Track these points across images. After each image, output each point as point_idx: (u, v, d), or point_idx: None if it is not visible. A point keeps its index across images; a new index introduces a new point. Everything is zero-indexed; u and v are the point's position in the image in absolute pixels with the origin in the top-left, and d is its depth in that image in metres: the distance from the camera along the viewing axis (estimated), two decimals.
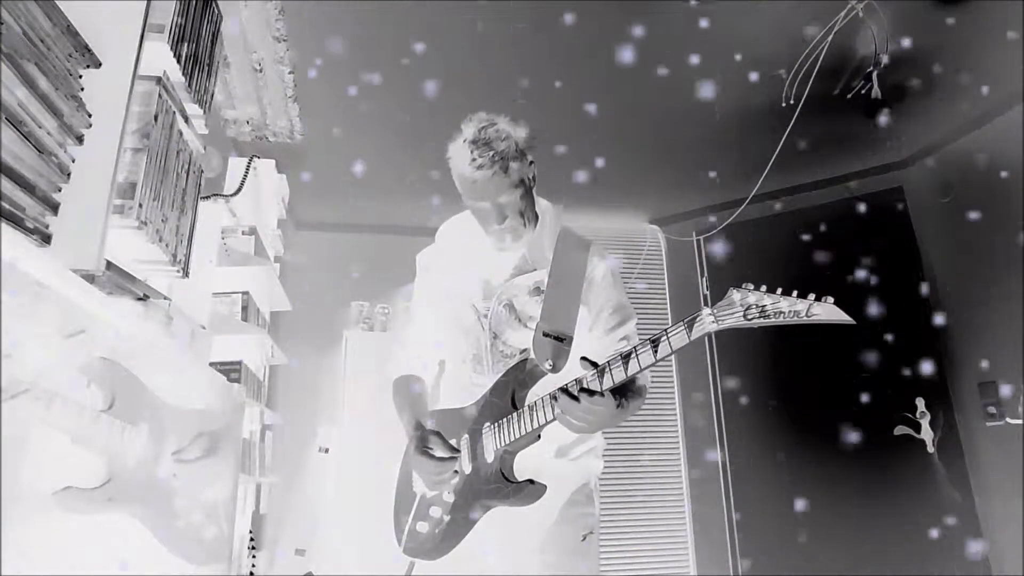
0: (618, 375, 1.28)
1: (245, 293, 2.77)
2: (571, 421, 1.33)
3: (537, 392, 1.45)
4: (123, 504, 1.24)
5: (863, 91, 2.65)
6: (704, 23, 2.43)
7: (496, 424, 1.49)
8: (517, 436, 1.43)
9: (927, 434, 3.12)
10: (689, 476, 3.89)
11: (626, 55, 2.61)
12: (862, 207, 3.49)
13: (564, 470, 1.57)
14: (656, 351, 1.23)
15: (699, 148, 3.37)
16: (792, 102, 2.72)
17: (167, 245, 1.46)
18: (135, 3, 1.31)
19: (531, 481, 1.43)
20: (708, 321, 1.16)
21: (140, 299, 1.39)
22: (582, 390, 1.29)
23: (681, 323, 1.20)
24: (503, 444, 1.46)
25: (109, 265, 1.20)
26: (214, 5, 1.74)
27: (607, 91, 2.87)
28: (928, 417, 3.14)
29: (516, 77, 2.74)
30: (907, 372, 3.19)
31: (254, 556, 2.95)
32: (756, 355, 3.64)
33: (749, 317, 1.12)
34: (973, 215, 3.13)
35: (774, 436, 3.52)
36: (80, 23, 1.18)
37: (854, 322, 1.04)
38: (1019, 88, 2.82)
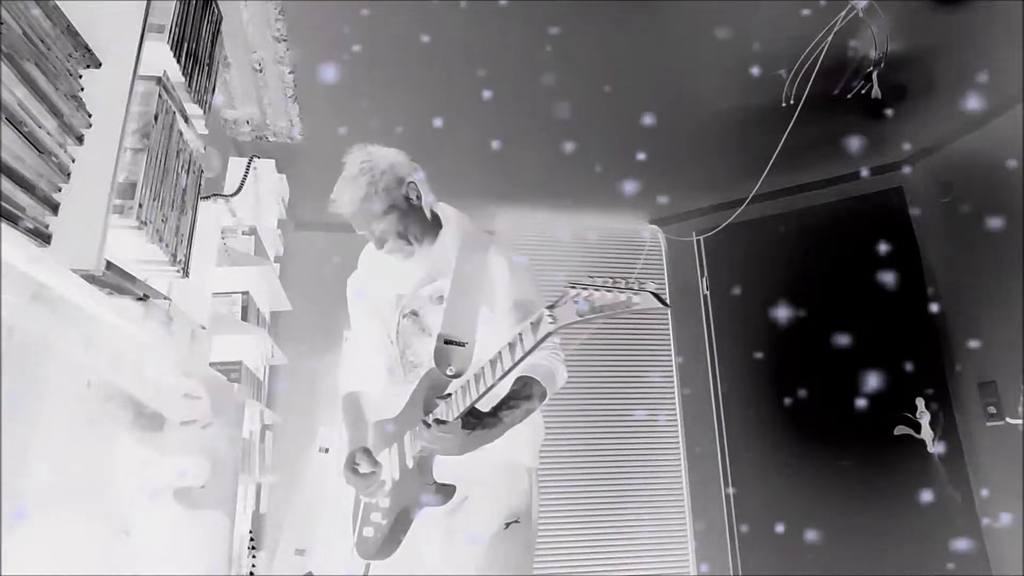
0: (469, 398, 1.35)
1: (245, 293, 2.77)
2: (427, 447, 1.45)
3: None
4: (218, 503, 1.31)
5: (863, 91, 2.65)
6: (704, 23, 2.44)
7: (412, 432, 1.55)
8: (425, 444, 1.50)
9: (927, 434, 3.12)
10: (689, 476, 3.89)
11: (627, 55, 2.61)
12: (862, 207, 3.49)
13: (498, 465, 1.59)
14: (501, 363, 1.28)
15: (699, 148, 3.37)
16: (792, 102, 2.72)
17: (167, 245, 1.46)
18: (135, 3, 1.31)
19: (445, 484, 1.51)
20: (547, 323, 1.18)
21: (140, 299, 1.39)
22: (436, 420, 1.40)
23: (528, 324, 1.23)
24: (416, 451, 1.53)
25: (109, 265, 1.20)
26: (214, 5, 1.74)
27: (607, 91, 2.87)
28: (928, 417, 3.14)
29: (517, 77, 2.74)
30: (907, 372, 3.19)
31: (254, 556, 2.95)
32: (756, 355, 3.64)
33: (581, 313, 1.14)
34: (973, 215, 3.13)
35: (774, 436, 3.52)
36: (80, 23, 1.17)
37: (668, 306, 1.09)
38: (1019, 88, 2.82)
